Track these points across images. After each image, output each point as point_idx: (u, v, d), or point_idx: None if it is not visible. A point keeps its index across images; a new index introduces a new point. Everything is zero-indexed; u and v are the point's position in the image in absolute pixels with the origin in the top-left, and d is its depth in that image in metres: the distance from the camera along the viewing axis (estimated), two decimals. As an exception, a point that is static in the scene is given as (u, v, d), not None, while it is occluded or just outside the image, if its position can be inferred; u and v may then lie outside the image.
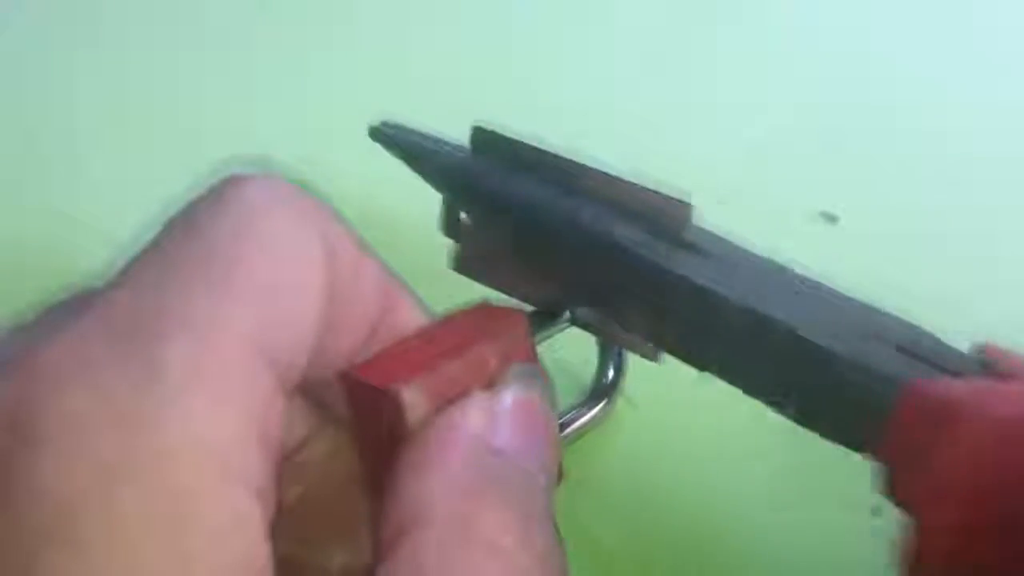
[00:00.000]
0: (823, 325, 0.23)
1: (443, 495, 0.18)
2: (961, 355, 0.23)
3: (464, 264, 0.29)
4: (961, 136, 0.45)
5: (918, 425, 0.21)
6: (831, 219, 0.41)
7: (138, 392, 0.16)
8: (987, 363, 0.22)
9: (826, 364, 0.22)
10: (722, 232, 0.26)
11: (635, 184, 0.25)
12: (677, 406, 0.33)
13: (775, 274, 0.25)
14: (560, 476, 0.21)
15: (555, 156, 0.26)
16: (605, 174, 0.25)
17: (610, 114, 0.45)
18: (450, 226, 0.28)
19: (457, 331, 0.22)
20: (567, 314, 0.26)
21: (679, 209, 0.24)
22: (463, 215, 0.28)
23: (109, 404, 0.15)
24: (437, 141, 0.29)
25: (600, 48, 0.49)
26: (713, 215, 0.25)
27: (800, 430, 0.24)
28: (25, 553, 0.15)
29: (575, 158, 0.26)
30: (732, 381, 0.24)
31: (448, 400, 0.20)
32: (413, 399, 0.20)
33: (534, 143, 0.26)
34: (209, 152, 0.27)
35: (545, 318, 0.26)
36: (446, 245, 0.29)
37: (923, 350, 0.22)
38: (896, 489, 0.22)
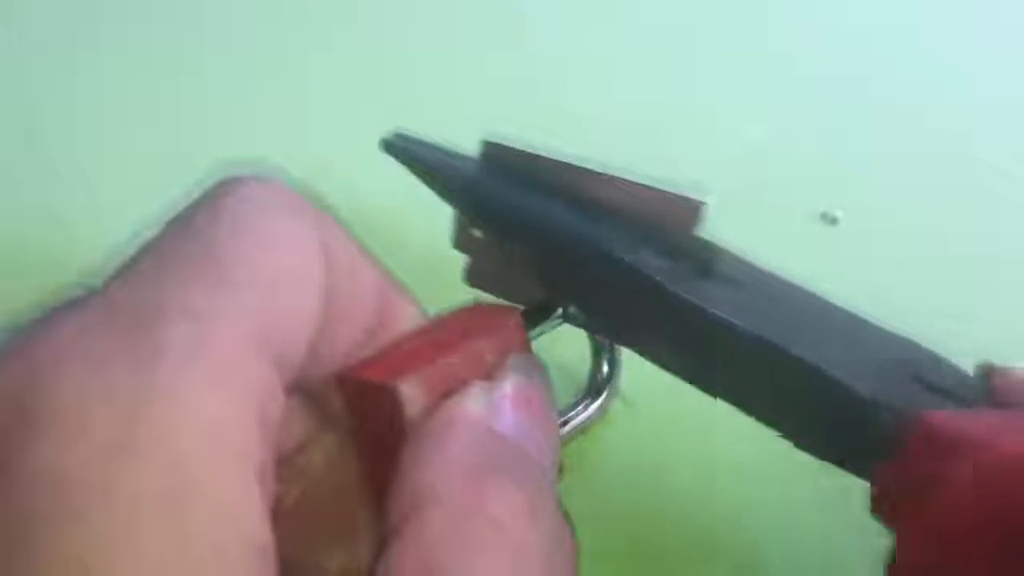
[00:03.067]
0: (834, 353, 0.22)
1: (447, 477, 0.18)
2: (970, 379, 0.23)
3: (477, 278, 0.29)
4: (961, 136, 0.45)
5: (925, 456, 0.21)
6: (831, 219, 0.41)
7: (138, 372, 0.16)
8: (991, 386, 0.22)
9: (834, 393, 0.22)
10: (737, 250, 0.26)
11: (647, 186, 0.25)
12: (673, 404, 0.33)
13: (788, 298, 0.25)
14: (560, 473, 0.21)
15: (566, 165, 0.26)
16: (617, 179, 0.25)
17: (610, 114, 0.45)
18: (462, 240, 0.28)
19: (452, 329, 0.22)
20: (559, 311, 0.27)
21: (692, 208, 0.24)
22: (475, 231, 0.28)
23: (109, 384, 0.16)
24: (449, 154, 0.29)
25: (600, 48, 0.49)
26: (713, 215, 0.25)
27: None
28: (27, 531, 0.15)
29: (586, 165, 0.26)
30: (743, 409, 0.24)
31: (446, 394, 0.20)
32: (411, 393, 0.20)
33: (544, 153, 0.26)
34: (209, 153, 0.27)
35: (538, 315, 0.26)
36: (459, 257, 0.29)
37: (933, 376, 0.22)
38: (890, 514, 0.22)
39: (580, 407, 0.33)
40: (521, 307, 0.25)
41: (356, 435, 0.21)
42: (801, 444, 0.23)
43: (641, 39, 0.50)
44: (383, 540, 0.18)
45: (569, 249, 0.25)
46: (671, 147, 0.43)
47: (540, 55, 0.49)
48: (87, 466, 0.15)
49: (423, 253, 0.34)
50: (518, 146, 0.27)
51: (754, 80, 0.48)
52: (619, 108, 0.46)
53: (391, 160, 0.30)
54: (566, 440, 0.33)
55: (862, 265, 0.39)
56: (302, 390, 0.21)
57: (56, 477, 0.15)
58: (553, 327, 0.27)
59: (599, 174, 0.25)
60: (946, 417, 0.21)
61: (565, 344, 0.29)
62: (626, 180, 0.25)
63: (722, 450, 0.33)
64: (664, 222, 0.25)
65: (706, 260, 0.25)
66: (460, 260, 0.29)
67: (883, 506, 0.22)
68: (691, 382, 0.25)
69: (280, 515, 0.17)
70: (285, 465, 0.20)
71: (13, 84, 0.46)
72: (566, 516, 0.19)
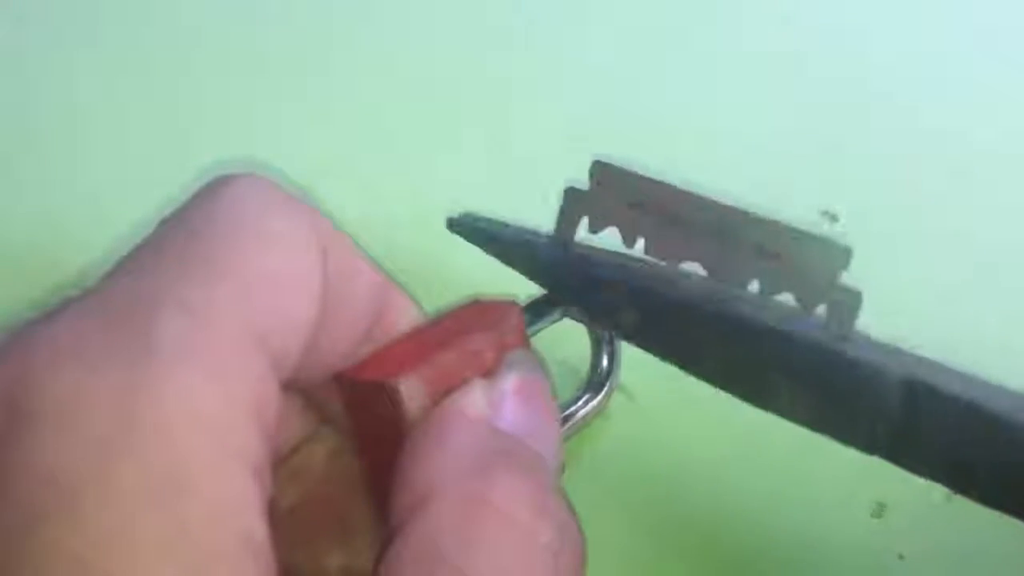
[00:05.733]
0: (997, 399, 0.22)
1: (452, 472, 0.18)
2: None
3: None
4: (961, 136, 0.45)
5: None
6: (831, 219, 0.41)
7: (133, 367, 0.16)
8: None
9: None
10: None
11: (783, 226, 0.25)
12: (676, 397, 0.33)
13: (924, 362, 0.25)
14: (561, 469, 0.21)
15: (680, 192, 0.25)
16: (744, 214, 0.25)
17: (609, 114, 0.45)
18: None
19: (451, 326, 0.22)
20: (559, 306, 0.26)
21: (835, 257, 0.24)
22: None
23: (104, 379, 0.16)
24: (521, 232, 0.28)
25: (600, 48, 0.49)
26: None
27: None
28: (23, 529, 0.15)
29: (707, 196, 0.25)
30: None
31: (446, 392, 0.20)
32: (411, 391, 0.20)
33: (656, 178, 0.26)
34: (208, 153, 0.27)
35: (537, 310, 0.26)
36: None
37: None
38: None
39: (581, 402, 0.33)
40: (520, 303, 0.25)
41: (355, 435, 0.21)
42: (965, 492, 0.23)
43: (641, 39, 0.50)
44: (387, 538, 0.18)
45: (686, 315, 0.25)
46: (671, 147, 0.43)
47: (537, 53, 0.49)
48: (82, 462, 0.15)
49: (420, 253, 0.34)
50: (626, 167, 0.26)
51: (754, 80, 0.48)
52: (618, 107, 0.46)
53: (387, 161, 0.30)
54: (567, 435, 0.33)
55: (862, 265, 0.39)
56: (300, 390, 0.21)
57: (51, 474, 0.15)
58: (552, 322, 0.27)
59: (721, 206, 0.25)
60: None
61: (565, 339, 0.29)
62: (750, 215, 0.25)
63: (725, 444, 0.33)
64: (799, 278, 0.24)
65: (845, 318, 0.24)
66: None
67: None
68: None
69: (279, 516, 0.17)
70: (284, 466, 0.20)
71: (13, 84, 0.46)
72: (572, 511, 0.19)
